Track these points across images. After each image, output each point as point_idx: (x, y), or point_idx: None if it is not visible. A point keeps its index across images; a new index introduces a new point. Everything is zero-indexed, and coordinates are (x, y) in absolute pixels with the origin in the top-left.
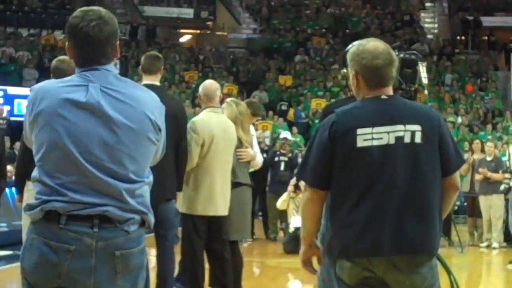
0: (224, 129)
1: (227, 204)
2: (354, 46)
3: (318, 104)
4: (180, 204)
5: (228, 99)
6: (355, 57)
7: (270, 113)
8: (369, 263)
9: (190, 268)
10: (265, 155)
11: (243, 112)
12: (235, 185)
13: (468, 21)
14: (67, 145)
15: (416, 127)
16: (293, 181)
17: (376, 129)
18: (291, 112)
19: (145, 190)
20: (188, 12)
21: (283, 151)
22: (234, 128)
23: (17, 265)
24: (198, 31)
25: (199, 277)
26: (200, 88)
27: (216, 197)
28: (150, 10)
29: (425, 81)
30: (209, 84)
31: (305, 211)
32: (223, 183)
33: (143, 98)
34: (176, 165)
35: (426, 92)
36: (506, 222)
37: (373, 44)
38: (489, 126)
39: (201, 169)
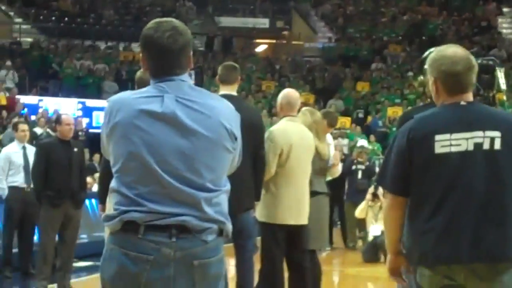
0: (303, 137)
1: (307, 213)
2: (433, 52)
3: (395, 112)
4: (259, 213)
5: (303, 109)
6: (434, 63)
7: (347, 121)
8: (450, 271)
9: (270, 278)
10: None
11: (318, 121)
12: (312, 194)
13: None
14: (144, 155)
15: (496, 134)
16: (371, 189)
17: (454, 136)
18: (368, 120)
19: (223, 199)
20: (263, 22)
21: (360, 160)
22: (312, 137)
23: (97, 275)
24: (274, 41)
25: (278, 286)
26: (281, 96)
27: (296, 206)
28: (226, 21)
29: (503, 86)
30: (292, 92)
31: (387, 219)
32: (302, 192)
33: (218, 107)
34: (254, 174)
35: (505, 97)
36: None
37: (453, 50)
38: None
39: (281, 178)
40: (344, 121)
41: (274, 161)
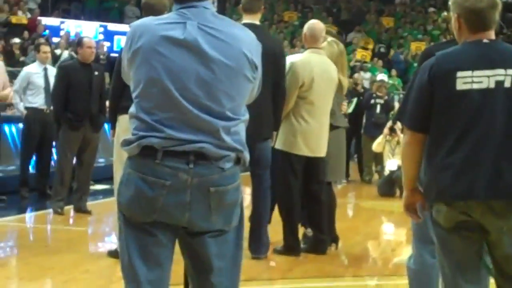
0: (325, 69)
1: (325, 146)
2: None
3: (417, 47)
4: (277, 141)
5: (329, 39)
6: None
7: (368, 55)
8: (467, 207)
9: (286, 207)
10: (361, 97)
11: (344, 53)
12: (334, 127)
13: None
14: (165, 81)
15: None
16: (389, 123)
17: (476, 73)
18: (391, 54)
19: (241, 128)
20: None
21: (379, 94)
22: (335, 70)
23: (114, 199)
24: None
25: (294, 216)
26: (306, 28)
27: (315, 138)
28: None
29: None
30: (316, 23)
31: (405, 155)
32: (322, 124)
33: (240, 36)
34: (274, 104)
35: None
36: None
37: None
38: None
39: (301, 109)
40: (365, 55)
41: (295, 93)
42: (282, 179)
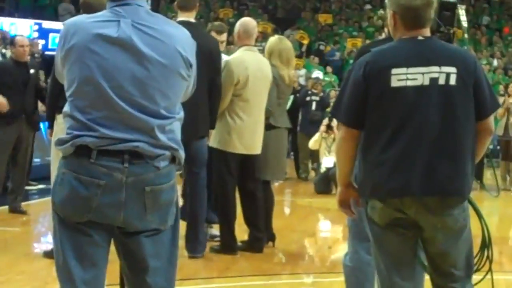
0: (260, 67)
1: (260, 143)
2: None
3: (353, 44)
4: (212, 139)
5: (275, 36)
6: None
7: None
8: (401, 204)
9: (222, 205)
10: (297, 94)
11: (288, 47)
12: (274, 127)
13: None
14: (99, 80)
15: (452, 69)
16: (325, 121)
17: (411, 70)
18: (326, 51)
19: (176, 126)
20: None
21: (314, 91)
22: (269, 67)
23: (49, 199)
24: None
25: (231, 214)
26: (238, 25)
27: (250, 136)
28: None
29: (465, 24)
30: (249, 21)
31: (339, 151)
32: (256, 122)
33: (174, 33)
34: (209, 102)
35: (466, 35)
36: None
37: None
38: None
39: (236, 107)
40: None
41: (230, 91)
42: (217, 177)
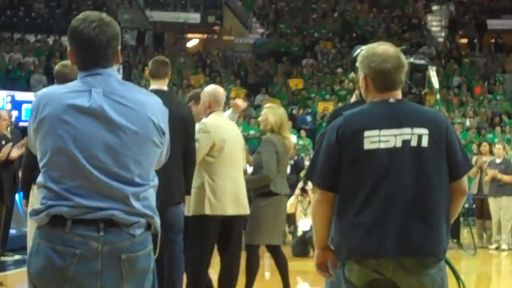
0: (234, 132)
1: (245, 204)
2: (364, 49)
3: (325, 107)
4: (193, 206)
5: (268, 105)
6: (364, 59)
7: None
8: (378, 265)
9: (195, 270)
10: None
11: (284, 115)
12: (274, 194)
13: (475, 24)
14: (72, 150)
15: (423, 131)
16: (300, 184)
17: (383, 132)
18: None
19: (151, 193)
20: (195, 17)
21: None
22: (239, 132)
23: (25, 269)
24: (205, 36)
25: (204, 280)
26: (207, 93)
27: (233, 198)
28: (157, 15)
29: (436, 85)
30: (218, 88)
31: (315, 214)
32: (238, 184)
33: (146, 102)
34: (184, 168)
35: (438, 96)
36: None
37: (383, 48)
38: (498, 129)
39: (212, 170)
40: None
41: (205, 151)
42: (195, 245)
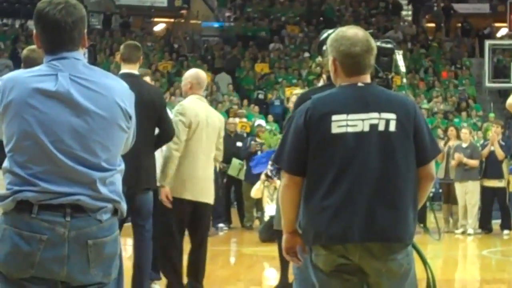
0: (209, 116)
1: (211, 192)
2: (334, 33)
3: (292, 92)
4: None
5: (297, 90)
6: (334, 43)
7: (245, 101)
8: (345, 250)
9: (168, 253)
10: (240, 143)
11: None
12: None
13: (442, 8)
14: (38, 134)
15: (391, 116)
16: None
17: (351, 116)
18: (267, 100)
19: (117, 178)
20: (161, 1)
21: (258, 140)
22: (218, 117)
23: None
24: (172, 20)
25: (178, 266)
26: (191, 76)
27: (201, 183)
28: None
29: (403, 69)
30: (201, 73)
31: (283, 198)
32: (204, 168)
33: (112, 86)
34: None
35: (404, 80)
36: (481, 209)
37: (353, 31)
38: (464, 114)
39: (186, 154)
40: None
41: (184, 133)
42: (165, 228)
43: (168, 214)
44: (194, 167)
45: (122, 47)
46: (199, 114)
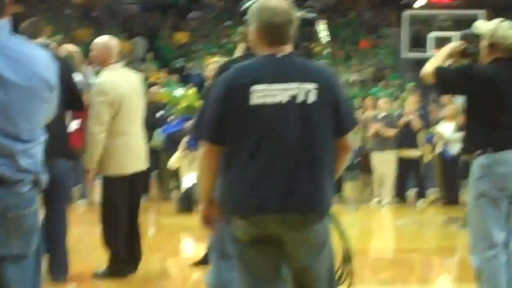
0: (132, 84)
1: (143, 161)
2: (256, 3)
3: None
4: (101, 167)
5: (215, 59)
6: (256, 13)
7: (165, 70)
8: (263, 221)
9: (112, 232)
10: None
11: None
12: None
13: None
14: None
15: (311, 86)
16: (185, 139)
17: (270, 87)
18: (186, 69)
19: (38, 150)
20: None
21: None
22: (139, 81)
23: None
24: None
25: (120, 245)
26: (97, 45)
27: (137, 153)
28: None
29: (325, 39)
30: (109, 40)
31: (202, 166)
32: (137, 140)
33: (35, 56)
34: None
35: (328, 50)
36: (397, 178)
37: (275, 2)
38: (382, 83)
39: (116, 128)
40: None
41: (107, 114)
42: (109, 204)
43: (111, 191)
44: (127, 141)
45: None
46: (121, 87)
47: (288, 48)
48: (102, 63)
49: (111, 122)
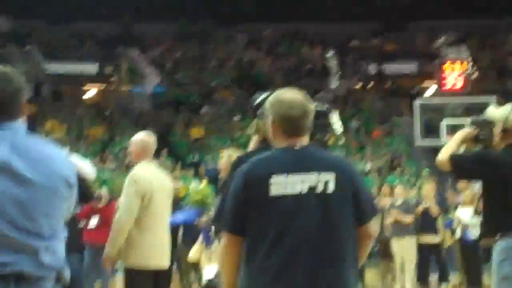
0: (162, 180)
1: (169, 258)
2: (272, 96)
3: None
4: (124, 260)
5: (228, 152)
6: (272, 106)
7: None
8: None
9: None
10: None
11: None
12: None
13: (372, 69)
14: None
15: (329, 177)
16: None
17: (289, 178)
18: (201, 164)
19: (60, 246)
20: (92, 68)
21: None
22: (169, 180)
23: None
24: (103, 87)
25: None
26: (135, 140)
27: (161, 249)
28: (54, 67)
29: (340, 129)
30: (146, 136)
31: (223, 258)
32: (163, 236)
33: (53, 155)
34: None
35: (342, 141)
36: (418, 264)
37: (290, 94)
38: (397, 170)
39: (145, 221)
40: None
41: (137, 205)
42: None
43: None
44: (153, 236)
45: None
46: (152, 181)
47: (305, 140)
48: (137, 158)
49: (139, 214)
